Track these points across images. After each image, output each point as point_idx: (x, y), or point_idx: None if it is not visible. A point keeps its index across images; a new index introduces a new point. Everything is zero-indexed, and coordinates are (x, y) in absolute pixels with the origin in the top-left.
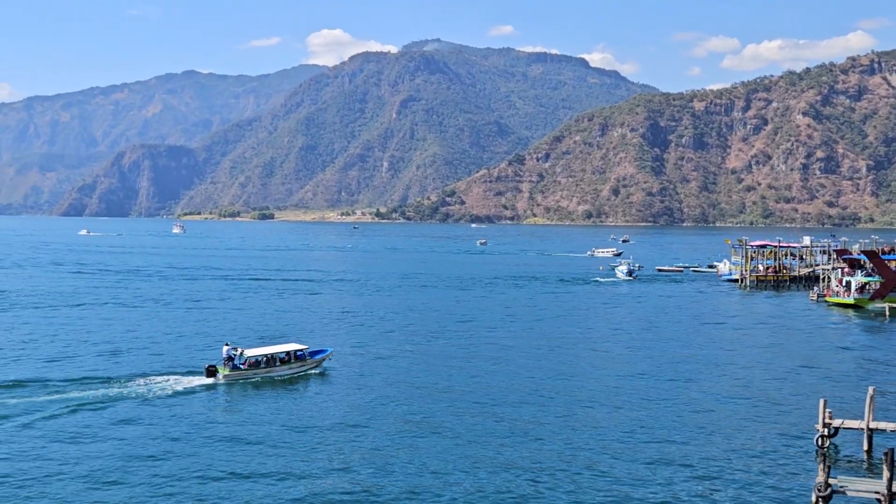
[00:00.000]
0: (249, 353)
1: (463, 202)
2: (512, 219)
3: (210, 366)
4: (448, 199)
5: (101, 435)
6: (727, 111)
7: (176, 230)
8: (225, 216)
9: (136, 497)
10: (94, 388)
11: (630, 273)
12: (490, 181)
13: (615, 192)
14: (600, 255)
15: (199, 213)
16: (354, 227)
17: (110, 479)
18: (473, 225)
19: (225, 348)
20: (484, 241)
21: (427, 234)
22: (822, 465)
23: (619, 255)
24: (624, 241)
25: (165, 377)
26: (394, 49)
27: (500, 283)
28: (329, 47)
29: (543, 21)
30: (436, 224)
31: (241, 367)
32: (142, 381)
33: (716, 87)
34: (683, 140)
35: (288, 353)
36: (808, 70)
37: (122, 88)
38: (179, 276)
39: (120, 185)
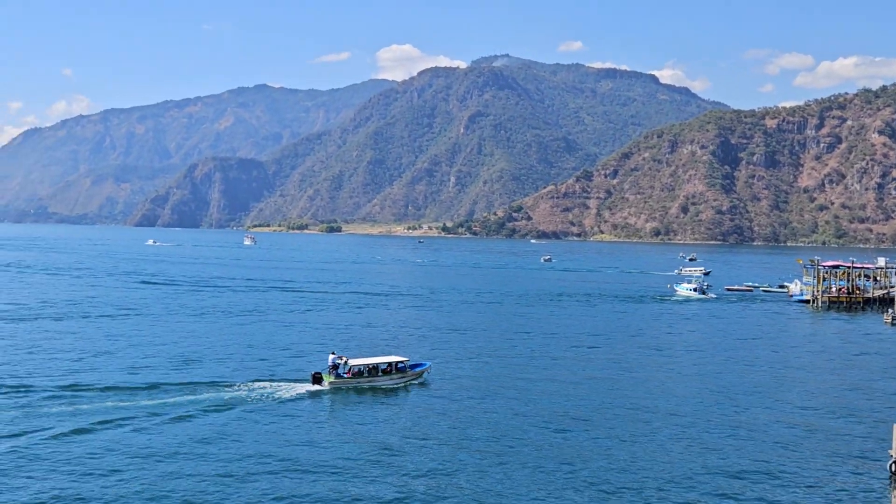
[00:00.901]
0: (353, 362)
1: (530, 218)
2: (579, 235)
3: (316, 373)
4: (515, 214)
5: (215, 436)
6: (800, 129)
7: (247, 242)
8: (293, 228)
9: (247, 497)
10: (206, 392)
11: (700, 291)
12: (557, 197)
13: (684, 209)
14: (688, 273)
15: (268, 226)
16: (419, 242)
17: (225, 480)
18: (533, 241)
19: (331, 357)
20: (548, 257)
21: (493, 250)
22: (895, 492)
23: (707, 273)
24: (691, 260)
25: (274, 383)
26: (463, 64)
27: (567, 300)
28: (398, 62)
29: (613, 37)
30: (501, 240)
31: (345, 375)
32: (252, 385)
33: (788, 104)
34: (755, 158)
35: (390, 364)
36: (884, 88)
37: (196, 102)
38: (262, 287)
39: (192, 196)
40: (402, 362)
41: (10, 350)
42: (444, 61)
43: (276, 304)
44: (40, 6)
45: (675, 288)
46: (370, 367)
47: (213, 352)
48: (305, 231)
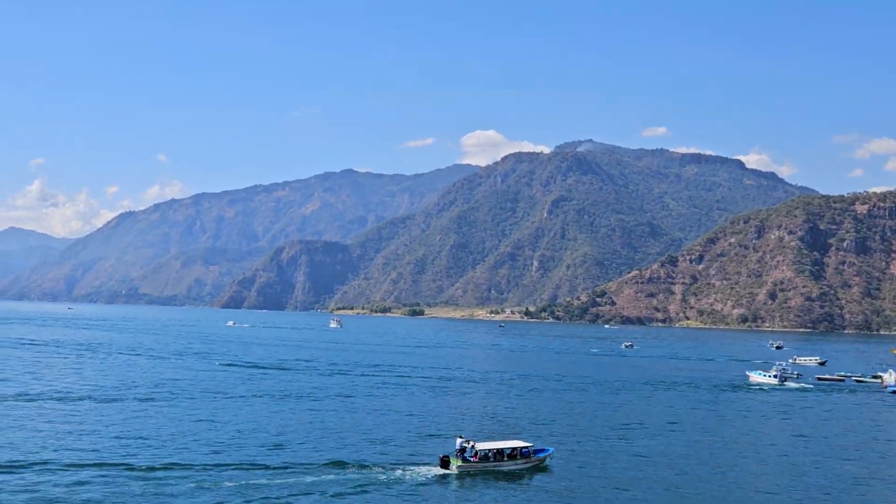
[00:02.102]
0: (480, 446)
1: (613, 303)
2: (664, 321)
3: (444, 456)
4: (598, 299)
5: None
6: (892, 215)
7: (333, 325)
8: (376, 311)
9: None
10: (333, 474)
11: (782, 379)
12: (642, 282)
13: (772, 296)
14: (802, 363)
15: (352, 308)
16: (500, 326)
17: None
18: (607, 326)
19: (458, 440)
20: (630, 343)
21: (574, 335)
22: None
23: (823, 363)
24: (777, 348)
25: (400, 465)
26: (546, 149)
27: (650, 388)
28: (482, 147)
29: (698, 122)
30: (584, 325)
31: (471, 459)
32: (378, 468)
33: (879, 189)
34: (845, 244)
35: (514, 449)
36: None
37: (284, 186)
38: (360, 371)
39: (278, 278)
40: (525, 447)
41: (101, 431)
42: (527, 146)
43: (373, 387)
44: (137, 95)
45: (749, 374)
46: (496, 451)
47: (327, 433)
48: (388, 314)
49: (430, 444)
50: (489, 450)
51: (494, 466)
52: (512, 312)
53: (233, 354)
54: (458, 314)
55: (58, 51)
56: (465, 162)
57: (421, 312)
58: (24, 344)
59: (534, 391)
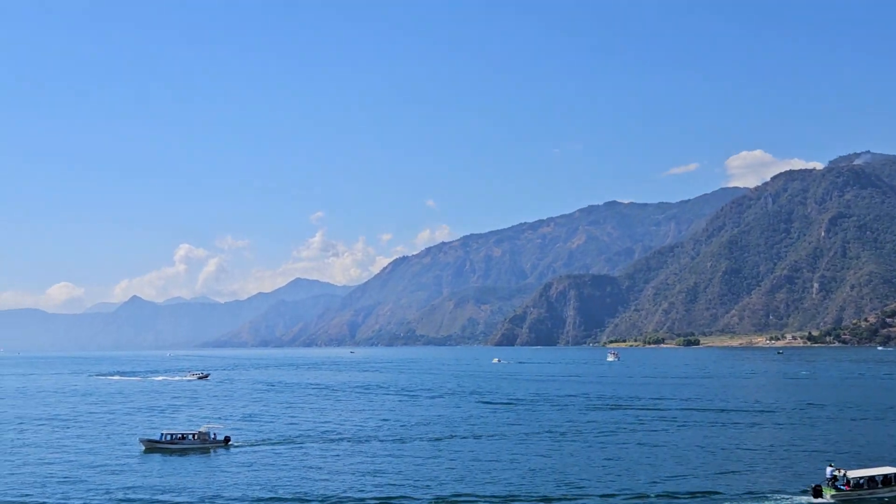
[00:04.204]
0: (851, 474)
1: None
2: None
3: (816, 486)
4: (889, 319)
5: None
6: None
7: (610, 358)
8: (649, 343)
9: None
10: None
11: None
12: None
13: None
14: None
15: (624, 341)
16: (779, 353)
17: None
18: (880, 348)
19: (828, 469)
20: None
21: (862, 359)
22: None
23: None
24: None
25: (769, 495)
26: (819, 165)
27: None
28: (749, 168)
29: None
30: (872, 347)
31: (843, 488)
32: (743, 496)
33: None
34: None
35: (888, 475)
36: None
37: (548, 223)
38: (646, 405)
39: (548, 314)
40: None
41: (391, 468)
42: (798, 164)
43: (664, 418)
44: (405, 146)
45: None
46: (868, 478)
47: (632, 466)
48: (662, 345)
49: (761, 476)
50: (861, 477)
51: (870, 494)
52: (793, 338)
53: (507, 392)
54: (735, 342)
55: (331, 112)
56: (731, 185)
57: (696, 342)
58: (315, 387)
59: (831, 420)
